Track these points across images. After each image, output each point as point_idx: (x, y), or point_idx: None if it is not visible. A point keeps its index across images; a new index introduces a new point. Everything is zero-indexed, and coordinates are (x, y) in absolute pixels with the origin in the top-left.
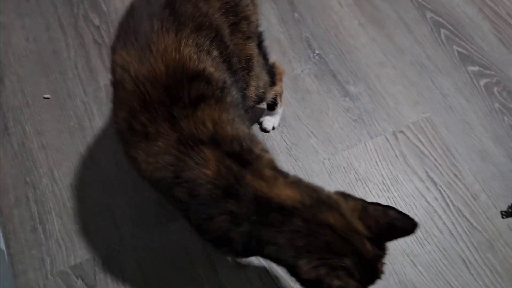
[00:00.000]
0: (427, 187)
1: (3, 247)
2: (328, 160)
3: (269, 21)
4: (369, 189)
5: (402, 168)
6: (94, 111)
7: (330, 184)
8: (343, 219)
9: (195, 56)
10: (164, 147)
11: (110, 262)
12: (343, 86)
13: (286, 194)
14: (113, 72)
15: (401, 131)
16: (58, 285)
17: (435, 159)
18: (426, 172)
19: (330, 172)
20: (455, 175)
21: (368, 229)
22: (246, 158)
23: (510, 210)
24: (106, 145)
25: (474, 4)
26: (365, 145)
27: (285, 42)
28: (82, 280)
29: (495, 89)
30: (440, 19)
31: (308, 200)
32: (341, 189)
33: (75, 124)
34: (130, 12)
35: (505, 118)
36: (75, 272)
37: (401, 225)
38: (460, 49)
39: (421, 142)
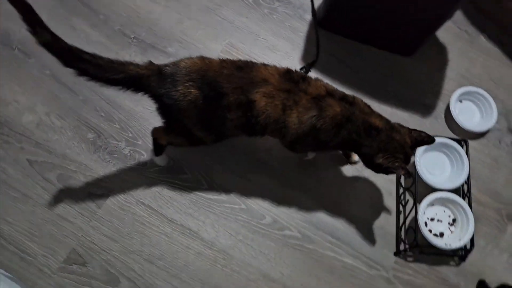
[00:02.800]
0: None
1: None
2: None
3: (85, 31)
4: None
5: None
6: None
7: None
8: (401, 137)
9: None
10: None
11: None
12: (163, 51)
13: (377, 121)
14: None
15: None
16: None
17: None
18: None
19: None
20: None
21: (411, 142)
22: (349, 100)
23: (303, 69)
24: None
25: None
26: None
27: (106, 41)
28: None
29: (260, 0)
30: None
31: (387, 126)
32: None
33: None
34: None
35: (274, 17)
36: None
37: (427, 139)
38: None
39: None
